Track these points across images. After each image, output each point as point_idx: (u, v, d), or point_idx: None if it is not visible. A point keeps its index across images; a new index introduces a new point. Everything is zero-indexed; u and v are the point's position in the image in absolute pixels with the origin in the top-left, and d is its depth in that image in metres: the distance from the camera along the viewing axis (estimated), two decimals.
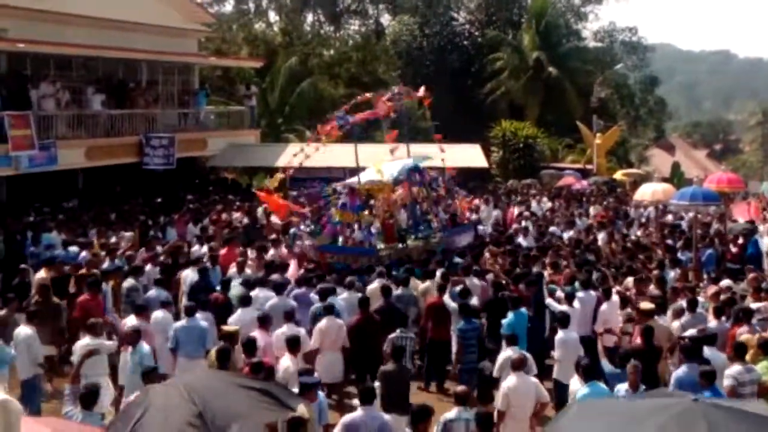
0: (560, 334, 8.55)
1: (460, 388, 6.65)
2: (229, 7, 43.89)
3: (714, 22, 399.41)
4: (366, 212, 13.15)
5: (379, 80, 36.00)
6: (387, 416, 6.44)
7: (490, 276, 10.87)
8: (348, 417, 6.33)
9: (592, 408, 4.62)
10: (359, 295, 9.56)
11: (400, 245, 12.62)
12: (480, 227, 15.39)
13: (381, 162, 13.55)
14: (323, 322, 8.71)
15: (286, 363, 7.58)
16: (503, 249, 12.63)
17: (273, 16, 44.06)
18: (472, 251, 12.57)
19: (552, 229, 15.37)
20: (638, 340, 8.23)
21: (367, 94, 14.29)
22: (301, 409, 6.13)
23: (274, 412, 5.09)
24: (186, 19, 23.87)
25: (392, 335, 8.49)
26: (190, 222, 15.37)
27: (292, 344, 7.78)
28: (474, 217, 16.24)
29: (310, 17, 44.96)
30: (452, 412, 6.32)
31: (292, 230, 13.96)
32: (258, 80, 30.24)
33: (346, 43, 39.35)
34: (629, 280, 10.66)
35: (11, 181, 17.14)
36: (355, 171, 13.64)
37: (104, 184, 19.39)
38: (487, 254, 12.13)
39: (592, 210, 18.66)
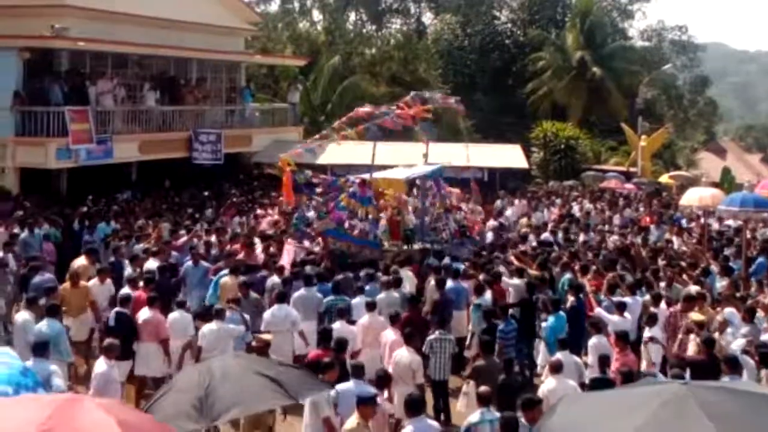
0: (593, 340, 8.56)
1: (484, 388, 6.49)
2: (274, 6, 44.77)
3: None
4: (374, 207, 13.11)
5: (421, 79, 36.21)
6: (436, 424, 6.29)
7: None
8: None
9: (583, 400, 4.54)
10: (396, 294, 9.63)
11: (405, 246, 12.59)
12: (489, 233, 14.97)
13: (409, 166, 13.63)
14: (365, 318, 8.76)
15: None
16: (530, 251, 12.49)
17: (317, 15, 44.69)
18: (491, 254, 12.43)
19: (544, 235, 14.60)
20: (690, 351, 8.14)
21: (406, 99, 13.97)
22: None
23: (275, 400, 5.33)
24: (234, 18, 24.54)
25: (431, 336, 8.35)
26: (235, 215, 15.96)
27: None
28: (491, 223, 16.02)
29: (352, 16, 45.46)
30: (476, 415, 6.23)
31: (298, 212, 13.69)
32: (302, 78, 30.82)
33: (388, 42, 39.62)
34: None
35: (71, 173, 18.01)
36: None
37: (156, 178, 20.16)
38: (512, 257, 11.93)
39: (626, 213, 18.38)
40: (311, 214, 13.68)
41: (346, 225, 12.64)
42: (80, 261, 10.61)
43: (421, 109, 13.54)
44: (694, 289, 10.09)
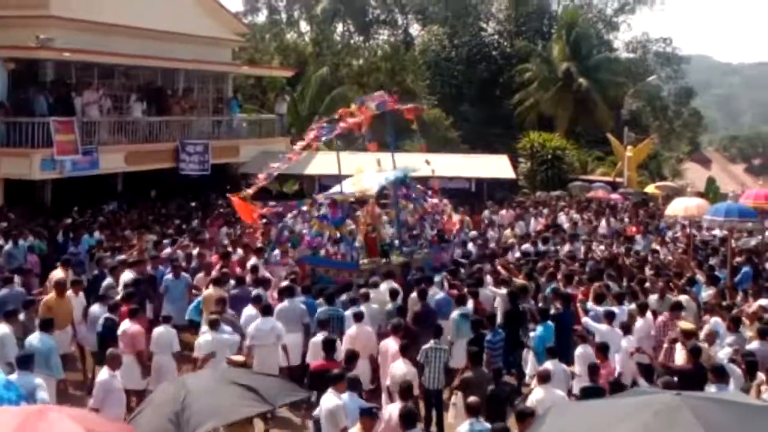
0: (579, 349, 8.60)
1: (472, 398, 6.45)
2: (262, 17, 44.84)
3: (753, 34, 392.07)
4: (348, 225, 12.86)
5: (408, 90, 36.38)
6: None
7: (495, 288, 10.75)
8: None
9: (573, 409, 4.48)
10: (375, 306, 9.64)
11: (383, 260, 12.30)
12: (470, 244, 14.78)
13: (360, 170, 13.35)
14: (353, 329, 8.71)
15: None
16: (514, 262, 12.52)
17: (304, 27, 44.85)
18: (474, 264, 12.36)
19: (525, 246, 14.63)
20: (678, 360, 8.17)
21: (352, 106, 13.46)
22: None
23: (252, 408, 5.33)
24: (221, 28, 24.53)
25: (426, 346, 8.28)
26: (222, 226, 15.88)
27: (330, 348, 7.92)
28: (471, 233, 15.82)
29: (340, 27, 45.65)
30: (465, 426, 6.19)
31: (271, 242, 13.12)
32: (289, 89, 30.84)
33: (375, 53, 39.83)
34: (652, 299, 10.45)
35: (55, 184, 17.85)
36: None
37: (142, 189, 20.03)
38: (498, 267, 11.94)
39: (612, 223, 18.50)
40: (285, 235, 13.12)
41: (322, 252, 12.40)
42: (57, 272, 10.51)
43: (368, 115, 13.11)
44: (683, 298, 10.16)
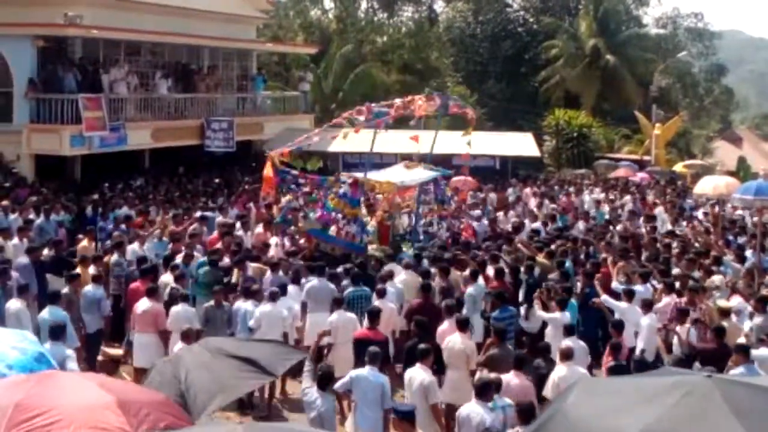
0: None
1: (494, 375, 6.51)
2: None
3: None
4: (364, 209, 12.64)
5: (432, 67, 36.10)
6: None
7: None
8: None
9: (600, 386, 4.40)
10: (400, 286, 9.62)
11: (393, 251, 11.99)
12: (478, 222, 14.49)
13: (412, 167, 13.26)
14: (334, 316, 8.53)
15: None
16: (534, 241, 12.22)
17: (328, 3, 44.45)
18: (491, 243, 12.22)
19: (535, 225, 14.14)
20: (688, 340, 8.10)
21: (416, 98, 13.38)
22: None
23: (254, 380, 5.31)
24: (245, 5, 24.53)
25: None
26: (248, 203, 16.01)
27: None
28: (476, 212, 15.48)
29: (364, 4, 45.13)
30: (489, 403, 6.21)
31: (283, 210, 12.95)
32: (313, 66, 30.79)
33: (399, 30, 39.47)
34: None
35: (84, 160, 18.17)
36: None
37: (168, 165, 20.29)
38: (519, 245, 11.82)
39: (636, 201, 18.22)
40: (296, 205, 12.89)
41: (333, 228, 12.24)
42: (83, 243, 10.86)
43: (425, 107, 13.02)
44: (717, 278, 10.03)
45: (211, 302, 8.83)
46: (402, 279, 10.00)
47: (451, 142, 19.19)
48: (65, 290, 8.79)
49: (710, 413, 3.50)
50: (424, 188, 13.54)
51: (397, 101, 13.21)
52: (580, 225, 14.78)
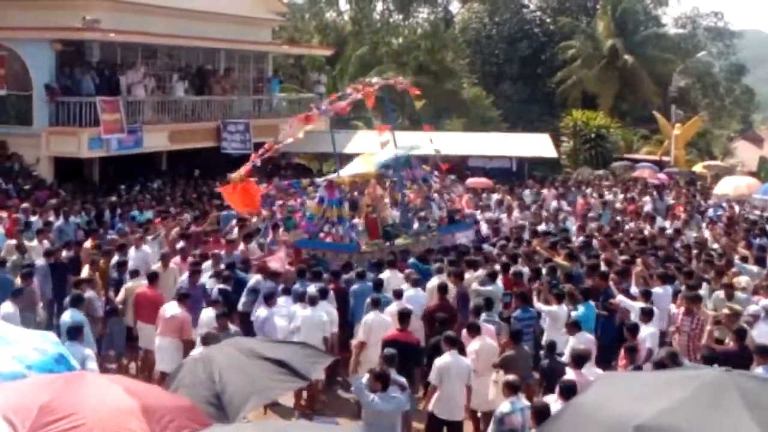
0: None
1: (512, 376, 6.42)
2: None
3: None
4: (346, 207, 12.14)
5: (448, 68, 35.96)
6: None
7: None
8: None
9: (618, 378, 4.51)
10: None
11: (387, 243, 11.77)
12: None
13: (371, 154, 13.01)
14: (370, 316, 8.41)
15: None
16: (549, 240, 12.07)
17: (343, 5, 44.52)
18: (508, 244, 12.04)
19: (541, 227, 13.79)
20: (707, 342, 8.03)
21: (353, 86, 13.31)
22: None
23: (289, 384, 5.25)
24: (261, 8, 24.61)
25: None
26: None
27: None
28: (483, 214, 15.20)
29: (379, 6, 45.13)
30: (506, 405, 6.16)
31: (260, 223, 12.57)
32: (329, 68, 30.81)
33: (415, 31, 39.40)
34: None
35: (102, 162, 18.30)
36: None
37: (185, 167, 20.37)
38: (535, 244, 11.72)
39: (658, 203, 17.88)
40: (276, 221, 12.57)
41: (321, 235, 11.79)
42: (86, 244, 10.97)
43: (369, 91, 12.69)
44: (744, 279, 9.80)
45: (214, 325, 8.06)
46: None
47: (464, 143, 19.07)
48: (88, 293, 8.74)
49: (723, 403, 3.63)
50: (401, 175, 13.15)
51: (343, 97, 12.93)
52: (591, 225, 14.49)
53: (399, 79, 13.70)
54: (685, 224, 14.97)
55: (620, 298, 9.26)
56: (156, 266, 10.05)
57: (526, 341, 8.37)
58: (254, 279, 9.65)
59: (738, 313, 8.40)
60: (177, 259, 10.47)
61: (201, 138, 20.54)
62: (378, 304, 8.55)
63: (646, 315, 8.34)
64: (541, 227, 13.96)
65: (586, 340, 7.88)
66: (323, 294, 8.82)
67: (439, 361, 7.07)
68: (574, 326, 8.06)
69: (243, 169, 12.27)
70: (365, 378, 6.57)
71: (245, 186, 12.00)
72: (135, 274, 9.58)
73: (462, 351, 7.36)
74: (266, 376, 4.99)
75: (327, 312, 8.63)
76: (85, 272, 9.63)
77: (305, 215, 12.16)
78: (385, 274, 9.77)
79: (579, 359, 6.86)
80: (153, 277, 9.28)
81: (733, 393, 3.63)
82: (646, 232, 13.96)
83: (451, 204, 14.01)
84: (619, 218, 15.70)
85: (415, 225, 13.08)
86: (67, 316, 7.99)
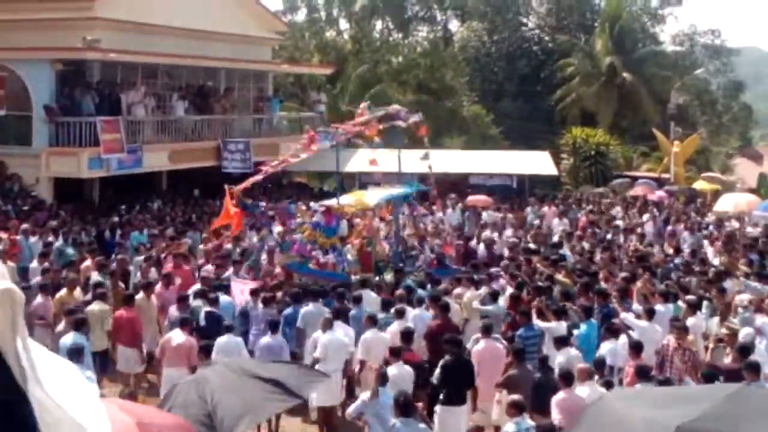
0: (610, 345, 8.27)
1: (516, 396, 6.37)
2: (301, 16, 45.05)
3: None
4: (340, 237, 12.23)
5: (448, 87, 36.10)
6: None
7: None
8: None
9: (633, 391, 4.49)
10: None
11: (376, 278, 11.61)
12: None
13: (363, 194, 13.13)
14: (368, 334, 8.35)
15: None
16: (551, 260, 12.00)
17: (343, 24, 44.90)
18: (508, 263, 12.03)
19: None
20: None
21: (362, 116, 13.13)
22: None
23: (283, 403, 5.22)
24: (261, 27, 24.72)
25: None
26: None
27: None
28: (489, 234, 15.26)
29: (379, 25, 45.53)
30: (511, 425, 6.09)
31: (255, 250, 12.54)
32: (329, 87, 30.91)
33: (415, 50, 39.64)
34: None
35: (102, 182, 18.24)
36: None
37: (185, 186, 20.31)
38: (538, 266, 11.67)
39: (657, 221, 17.76)
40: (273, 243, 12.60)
41: (312, 263, 11.60)
42: (85, 264, 11.08)
43: (375, 128, 12.82)
44: (745, 297, 9.74)
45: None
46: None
47: (464, 161, 18.85)
48: (139, 296, 9.01)
49: (753, 414, 3.63)
50: (399, 210, 13.24)
51: (348, 124, 13.05)
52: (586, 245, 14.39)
53: (406, 113, 13.63)
54: (683, 241, 14.93)
55: (623, 315, 9.18)
56: (139, 296, 9.57)
57: (530, 360, 8.24)
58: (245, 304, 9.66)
59: (736, 332, 8.39)
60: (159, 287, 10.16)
61: (201, 157, 20.50)
62: (374, 323, 8.51)
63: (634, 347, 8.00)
64: (533, 246, 13.93)
65: (571, 356, 7.78)
66: (273, 326, 8.61)
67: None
68: (560, 342, 7.98)
69: (242, 187, 12.39)
70: (366, 396, 6.49)
71: (228, 205, 12.00)
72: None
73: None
74: (260, 395, 4.99)
75: (345, 334, 8.53)
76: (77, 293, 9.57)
77: (299, 240, 12.08)
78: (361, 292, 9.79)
79: (567, 377, 6.79)
80: (130, 299, 9.21)
81: (754, 404, 3.69)
82: (640, 247, 13.92)
83: (443, 248, 13.78)
84: (619, 236, 15.64)
85: (402, 263, 12.72)
86: (69, 339, 7.91)
